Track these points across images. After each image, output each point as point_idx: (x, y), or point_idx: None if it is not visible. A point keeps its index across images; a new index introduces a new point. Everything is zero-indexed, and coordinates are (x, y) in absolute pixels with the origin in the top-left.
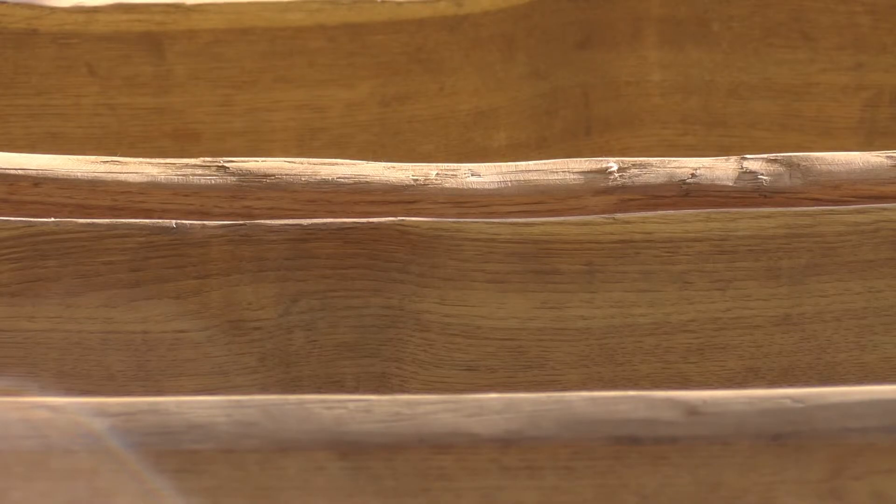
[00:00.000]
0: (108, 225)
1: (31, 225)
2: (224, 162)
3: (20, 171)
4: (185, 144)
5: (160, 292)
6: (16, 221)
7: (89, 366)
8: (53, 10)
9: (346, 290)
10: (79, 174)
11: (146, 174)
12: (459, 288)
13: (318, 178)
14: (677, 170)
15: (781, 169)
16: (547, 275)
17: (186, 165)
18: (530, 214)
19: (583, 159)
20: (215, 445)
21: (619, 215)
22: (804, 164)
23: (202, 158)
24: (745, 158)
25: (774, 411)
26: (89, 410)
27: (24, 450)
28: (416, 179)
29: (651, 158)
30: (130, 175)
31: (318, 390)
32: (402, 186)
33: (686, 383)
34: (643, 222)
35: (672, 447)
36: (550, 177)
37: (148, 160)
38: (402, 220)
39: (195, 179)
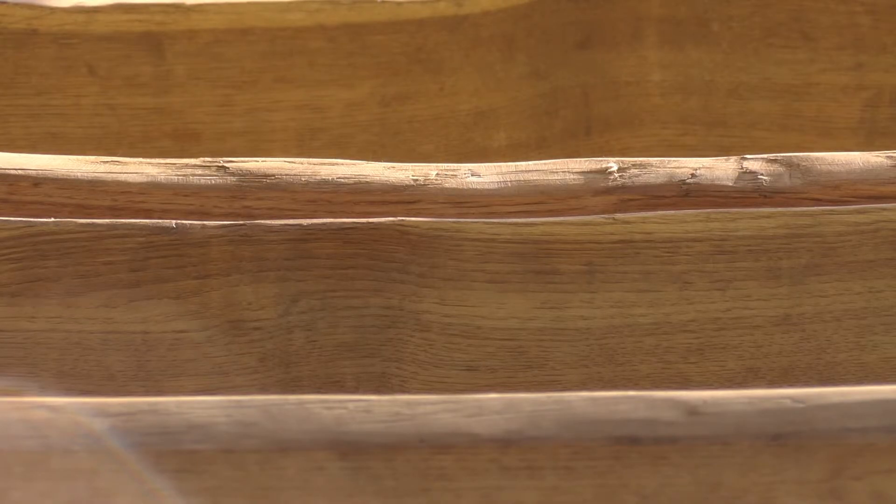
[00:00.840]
0: (108, 225)
1: (31, 225)
2: (224, 162)
3: (20, 172)
4: (185, 144)
5: (160, 292)
6: (16, 221)
7: (89, 366)
8: (53, 10)
9: (346, 290)
10: (79, 174)
11: (146, 174)
12: (459, 288)
13: (318, 178)
14: (677, 170)
15: (781, 169)
16: (547, 275)
17: (186, 165)
18: (530, 214)
19: (583, 159)
20: (215, 445)
21: (619, 215)
22: (804, 164)
23: (202, 158)
24: (745, 158)
25: (774, 411)
26: (89, 410)
27: (25, 450)
28: (416, 179)
29: (651, 158)
30: (130, 175)
31: (318, 390)
32: (402, 186)
33: (686, 383)
34: (643, 222)
35: (672, 447)
36: (550, 177)
37: (148, 160)
38: (402, 220)
39: (195, 179)
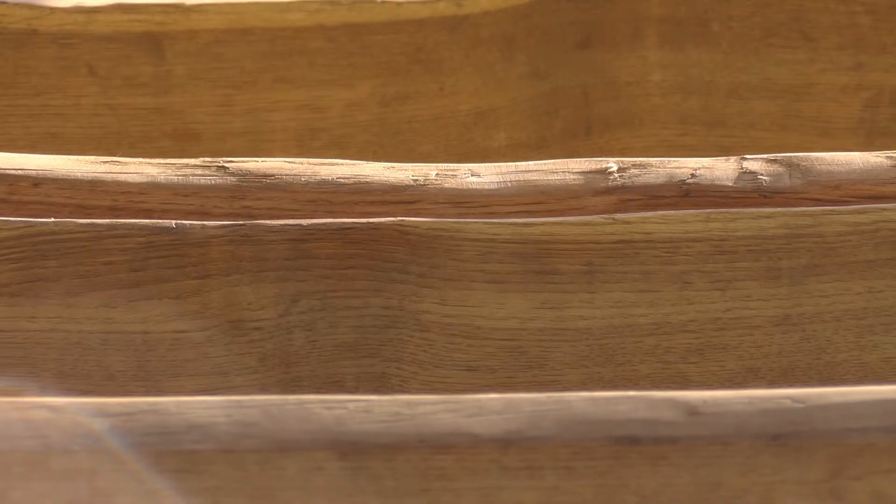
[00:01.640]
0: (107, 225)
1: (31, 225)
2: (224, 162)
3: (20, 171)
4: (185, 144)
5: (160, 292)
6: (16, 221)
7: (89, 366)
8: (53, 10)
9: (346, 290)
10: (79, 174)
11: (146, 174)
12: (459, 288)
13: (318, 178)
14: (677, 170)
15: (781, 169)
16: (547, 275)
17: (186, 166)
18: (530, 214)
19: (583, 159)
20: (215, 446)
21: (618, 215)
22: (804, 164)
23: (202, 159)
24: (745, 159)
25: (774, 411)
26: (89, 410)
27: (24, 450)
28: (416, 179)
29: (651, 159)
30: (130, 175)
31: (318, 390)
32: (402, 186)
33: (686, 383)
34: (643, 222)
35: (672, 447)
36: (550, 177)
37: (148, 160)
38: (402, 220)
39: (195, 179)
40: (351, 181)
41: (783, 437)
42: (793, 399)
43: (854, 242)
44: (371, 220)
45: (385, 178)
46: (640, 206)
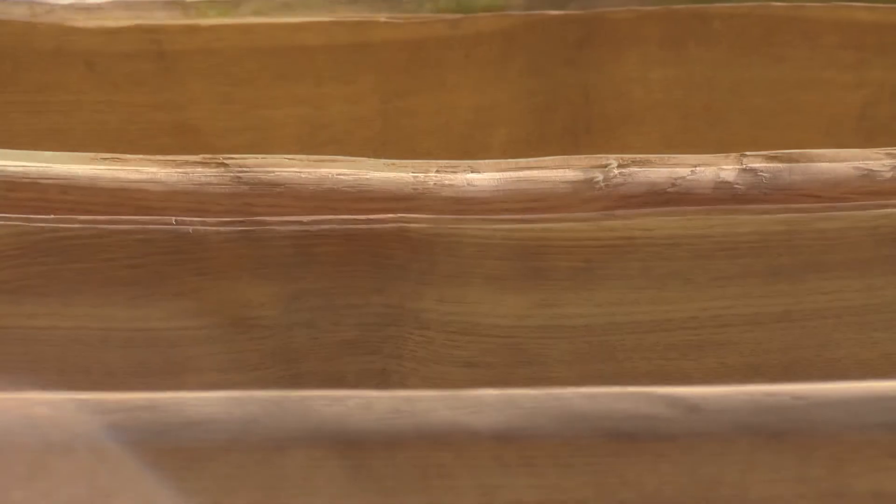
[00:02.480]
0: (107, 222)
1: (28, 222)
2: (224, 159)
3: (17, 168)
4: (186, 141)
5: (161, 290)
6: (13, 219)
7: (89, 363)
8: (53, 7)
9: (347, 288)
10: (78, 171)
11: (146, 171)
12: (458, 286)
13: (319, 176)
14: (678, 167)
15: (782, 166)
16: (545, 272)
17: (186, 162)
18: (529, 211)
19: (583, 156)
20: (216, 442)
21: (618, 212)
22: (805, 161)
23: (202, 155)
24: (746, 155)
25: (774, 408)
26: (89, 407)
27: (24, 446)
28: (417, 176)
29: (651, 155)
30: (130, 172)
31: (320, 387)
32: (403, 185)
33: (685, 380)
34: (643, 220)
35: (671, 445)
36: (550, 174)
37: (148, 157)
38: (403, 216)
39: (195, 177)
40: (352, 179)
41: (783, 434)
42: (793, 396)
43: (854, 240)
44: (371, 217)
45: (386, 176)
46: (641, 203)
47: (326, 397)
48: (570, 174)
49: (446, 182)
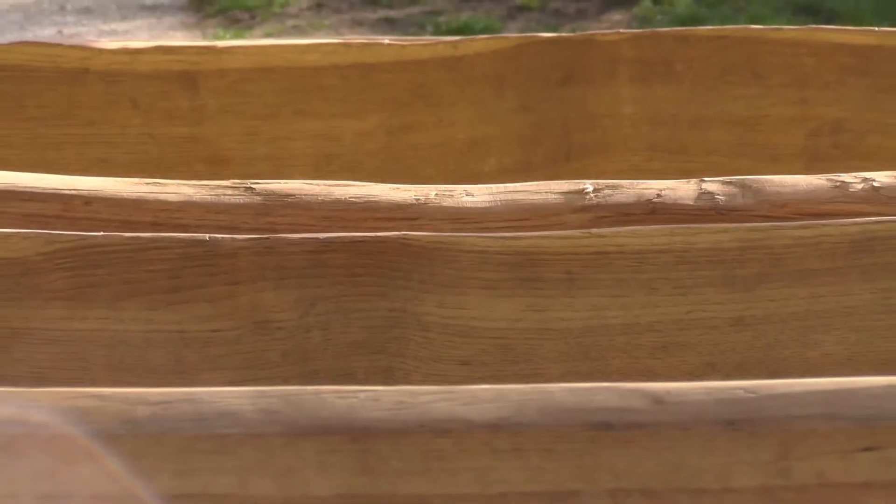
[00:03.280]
0: (149, 238)
1: (82, 238)
2: (251, 184)
3: (73, 192)
4: (217, 168)
5: (195, 297)
6: (69, 235)
7: (133, 361)
8: (102, 51)
9: (357, 294)
10: (124, 194)
11: (183, 194)
12: (456, 293)
13: (333, 197)
14: (645, 190)
15: (735, 190)
16: (532, 282)
17: (218, 187)
18: (517, 229)
19: (563, 181)
20: (243, 430)
21: (594, 230)
22: (755, 185)
23: (232, 181)
24: (704, 181)
25: (729, 401)
26: (133, 400)
27: (74, 434)
28: (418, 199)
29: (622, 181)
30: (169, 195)
31: (333, 382)
32: (406, 205)
33: (652, 376)
34: (615, 236)
35: (640, 432)
36: (534, 197)
37: (184, 182)
38: (406, 234)
39: (226, 199)
40: (361, 200)
41: (737, 423)
42: (745, 390)
43: (799, 254)
44: (379, 234)
45: (391, 198)
46: (613, 222)
47: (338, 391)
48: (552, 197)
49: (444, 203)
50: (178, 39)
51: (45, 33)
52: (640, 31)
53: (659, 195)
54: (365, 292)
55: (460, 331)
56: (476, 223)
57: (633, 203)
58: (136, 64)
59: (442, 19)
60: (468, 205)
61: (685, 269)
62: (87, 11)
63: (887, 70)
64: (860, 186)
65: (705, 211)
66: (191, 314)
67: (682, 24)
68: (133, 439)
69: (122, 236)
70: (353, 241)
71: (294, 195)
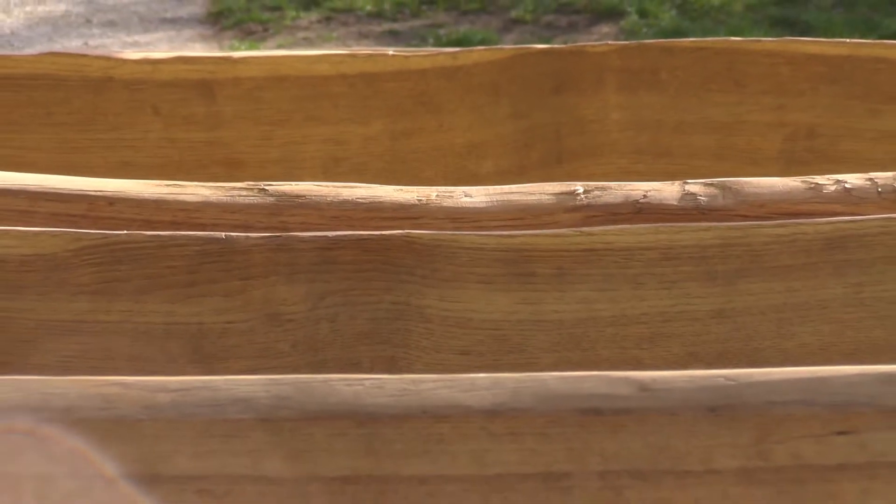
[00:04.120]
0: (169, 236)
1: (107, 236)
2: (264, 185)
3: (98, 193)
4: (232, 171)
5: (212, 291)
6: (95, 233)
7: (154, 351)
8: (125, 61)
9: (363, 289)
10: (146, 195)
11: (201, 195)
12: (455, 287)
13: (341, 198)
14: (632, 192)
15: (716, 191)
16: (526, 277)
17: (233, 188)
18: (512, 228)
19: (555, 183)
20: (256, 415)
21: (584, 229)
22: (735, 187)
23: (246, 182)
24: (687, 183)
25: (711, 388)
26: (153, 387)
27: (100, 419)
28: (420, 199)
29: (610, 182)
30: (188, 196)
31: (340, 370)
32: (409, 205)
33: (639, 365)
34: (604, 234)
35: (628, 417)
36: (529, 197)
37: (202, 184)
38: (409, 232)
39: (240, 199)
40: (367, 201)
41: (718, 408)
42: (726, 378)
43: (776, 250)
44: (383, 232)
45: (395, 199)
46: (602, 221)
47: (346, 379)
48: (545, 198)
49: (444, 204)
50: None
51: (73, 44)
52: (627, 42)
53: (645, 196)
54: (370, 286)
55: (459, 322)
56: (474, 222)
57: (620, 203)
58: (156, 73)
59: (442, 32)
60: (467, 205)
61: (670, 265)
62: (111, 24)
63: (858, 79)
64: (833, 188)
65: (688, 211)
66: (208, 307)
67: (667, 36)
68: (154, 424)
69: (143, 234)
70: (360, 239)
71: (304, 196)
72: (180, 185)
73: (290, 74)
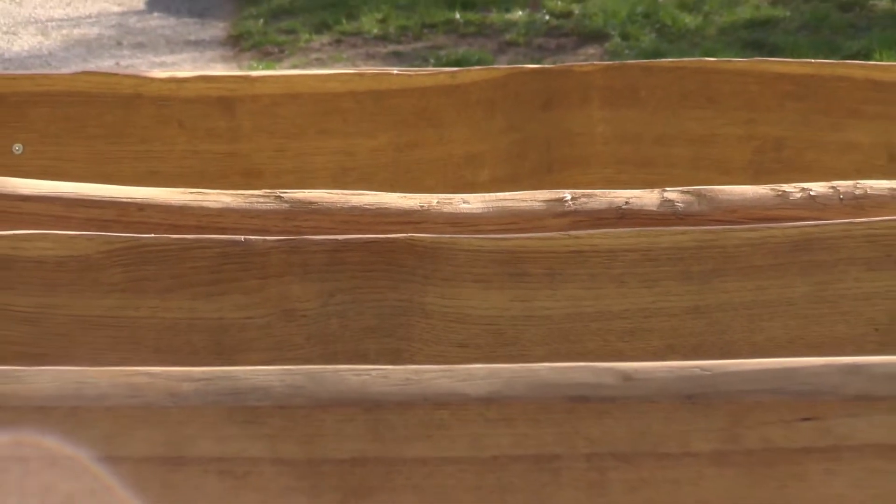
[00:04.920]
0: (193, 239)
1: (136, 239)
2: (280, 193)
3: (128, 200)
4: (251, 180)
5: (232, 289)
6: (125, 236)
7: (179, 344)
8: (153, 79)
9: (370, 287)
10: (172, 201)
11: (222, 202)
12: (454, 286)
13: (350, 204)
14: (615, 198)
15: (692, 198)
16: (519, 276)
17: (252, 195)
18: (506, 231)
19: (545, 191)
20: (272, 403)
21: (572, 232)
22: (709, 194)
23: (263, 190)
24: (666, 190)
25: (688, 378)
26: (178, 377)
27: (129, 406)
28: (422, 206)
29: (595, 190)
30: (210, 202)
31: (349, 362)
32: (412, 211)
33: (622, 357)
34: (590, 237)
35: (612, 405)
36: (521, 204)
37: (223, 191)
38: (412, 235)
39: (258, 206)
40: (374, 207)
41: (694, 396)
42: (701, 368)
43: (747, 252)
44: (388, 235)
45: (399, 205)
46: (588, 225)
47: (354, 369)
48: (536, 204)
49: (444, 209)
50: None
51: (105, 64)
52: (611, 63)
53: (627, 202)
54: (377, 285)
55: (458, 318)
56: (471, 226)
57: (605, 209)
58: (181, 90)
59: (442, 53)
60: (465, 211)
61: (650, 266)
62: (140, 46)
63: (821, 95)
64: (799, 195)
65: (667, 216)
66: (228, 304)
67: (646, 56)
68: (179, 410)
69: (169, 237)
70: (367, 242)
71: (316, 202)
72: (203, 193)
73: (303, 92)
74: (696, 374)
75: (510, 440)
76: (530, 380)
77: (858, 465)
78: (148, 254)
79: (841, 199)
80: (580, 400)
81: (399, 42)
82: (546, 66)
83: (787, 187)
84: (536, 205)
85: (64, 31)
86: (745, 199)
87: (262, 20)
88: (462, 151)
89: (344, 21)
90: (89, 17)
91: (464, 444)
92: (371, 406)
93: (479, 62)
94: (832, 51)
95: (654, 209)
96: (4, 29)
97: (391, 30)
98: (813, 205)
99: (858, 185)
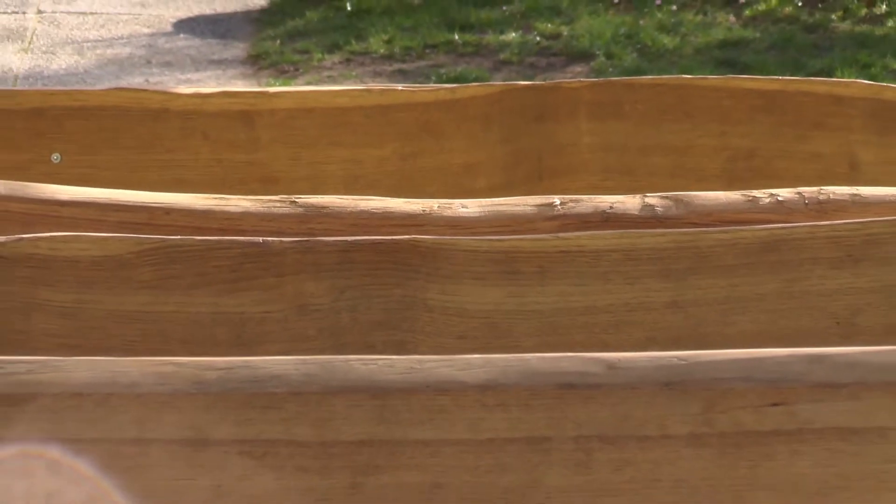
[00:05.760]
0: (216, 241)
1: (164, 241)
2: (295, 198)
3: (157, 204)
4: (269, 187)
5: (252, 286)
6: (154, 238)
7: (203, 336)
8: (179, 95)
9: (378, 284)
10: (196, 206)
11: (242, 207)
12: (454, 283)
13: (359, 209)
14: (600, 203)
15: (671, 203)
16: (512, 274)
17: (269, 201)
18: (501, 233)
19: (536, 196)
20: (288, 389)
21: (561, 234)
22: (686, 199)
23: (280, 196)
24: (647, 196)
25: (666, 367)
26: (203, 366)
27: (158, 393)
28: (425, 210)
29: (582, 196)
30: (231, 207)
31: (358, 352)
32: (415, 215)
33: (606, 348)
34: (577, 239)
35: (597, 391)
36: (515, 208)
37: (243, 197)
38: (415, 237)
39: (275, 210)
40: (380, 211)
41: (672, 384)
42: (679, 358)
43: (720, 252)
44: (394, 237)
45: (403, 209)
46: (575, 228)
47: (362, 359)
48: (528, 209)
49: (445, 214)
50: (239, 86)
51: (135, 81)
52: (596, 79)
53: (611, 207)
54: (383, 282)
55: (457, 312)
56: (469, 229)
57: (591, 213)
58: (205, 105)
59: (443, 70)
60: (463, 215)
61: (632, 265)
62: (168, 64)
63: (789, 109)
64: (768, 200)
65: (647, 219)
66: (248, 299)
67: (629, 74)
68: (203, 397)
69: (194, 239)
70: (374, 243)
71: (328, 207)
72: (225, 199)
73: (316, 106)
74: (674, 363)
75: (505, 424)
76: (523, 368)
77: (821, 447)
78: (175, 254)
79: (806, 204)
80: (568, 387)
81: (403, 61)
82: (537, 82)
83: (756, 193)
84: (528, 209)
85: (98, 51)
86: (719, 203)
87: (278, 41)
88: (461, 161)
89: (353, 42)
90: (121, 38)
91: (463, 428)
92: (378, 392)
93: (476, 79)
94: (798, 69)
95: (636, 213)
96: (44, 49)
97: (396, 50)
98: (780, 209)
99: (822, 191)
